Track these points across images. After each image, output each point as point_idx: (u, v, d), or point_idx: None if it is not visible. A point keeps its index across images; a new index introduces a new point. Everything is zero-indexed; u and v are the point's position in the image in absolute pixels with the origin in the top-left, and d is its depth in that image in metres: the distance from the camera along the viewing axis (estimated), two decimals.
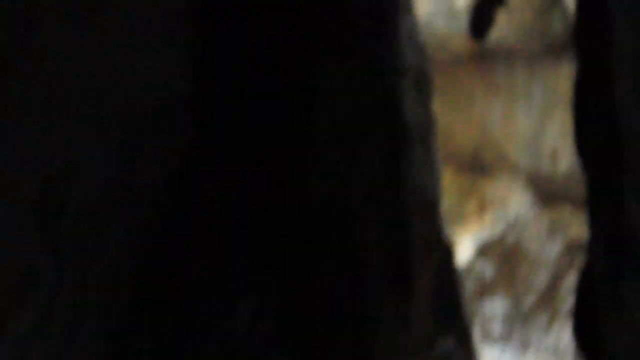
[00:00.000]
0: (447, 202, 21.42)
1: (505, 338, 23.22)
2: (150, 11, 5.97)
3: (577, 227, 23.47)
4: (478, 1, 11.42)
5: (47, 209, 5.55)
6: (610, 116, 6.60)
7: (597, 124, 7.74)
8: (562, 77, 22.93)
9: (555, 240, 23.79)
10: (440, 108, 21.91)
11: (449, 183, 23.01)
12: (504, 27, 21.57)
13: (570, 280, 23.48)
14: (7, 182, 5.29)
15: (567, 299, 23.32)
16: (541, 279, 23.78)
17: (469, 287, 21.30)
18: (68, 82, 5.59)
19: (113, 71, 5.81)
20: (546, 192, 24.28)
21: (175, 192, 6.82)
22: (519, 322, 23.70)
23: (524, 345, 23.29)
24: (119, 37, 5.80)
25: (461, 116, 23.74)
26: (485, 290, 23.09)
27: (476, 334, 20.64)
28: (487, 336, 23.01)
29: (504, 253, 23.66)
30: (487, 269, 23.38)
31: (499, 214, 23.80)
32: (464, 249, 21.34)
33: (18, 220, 5.40)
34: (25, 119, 5.37)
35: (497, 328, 23.11)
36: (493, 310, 23.29)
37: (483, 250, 23.17)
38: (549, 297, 22.97)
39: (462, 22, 21.11)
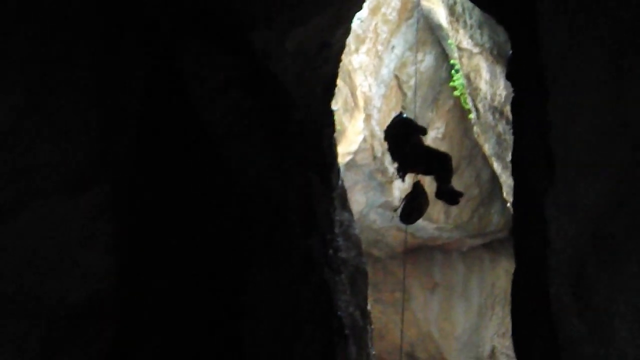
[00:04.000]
0: None
1: None
2: (71, 210, 6.08)
3: None
4: (411, 190, 11.75)
5: None
6: (548, 316, 6.77)
7: (535, 325, 7.90)
8: (501, 274, 23.26)
9: None
10: (376, 304, 21.88)
11: None
12: (440, 220, 22.02)
13: None
14: None
15: None
16: None
17: None
18: None
19: (36, 271, 5.85)
20: None
21: None
22: None
23: None
24: (42, 237, 5.87)
25: (397, 313, 23.74)
26: None
27: None
28: None
29: None
30: None
31: None
32: None
33: None
34: None
35: None
36: None
37: None
38: None
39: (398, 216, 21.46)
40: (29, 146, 5.57)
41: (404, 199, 11.89)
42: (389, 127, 11.48)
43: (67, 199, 5.91)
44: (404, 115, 11.94)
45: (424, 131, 11.33)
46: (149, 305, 7.26)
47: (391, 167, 19.58)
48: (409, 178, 11.95)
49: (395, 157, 11.44)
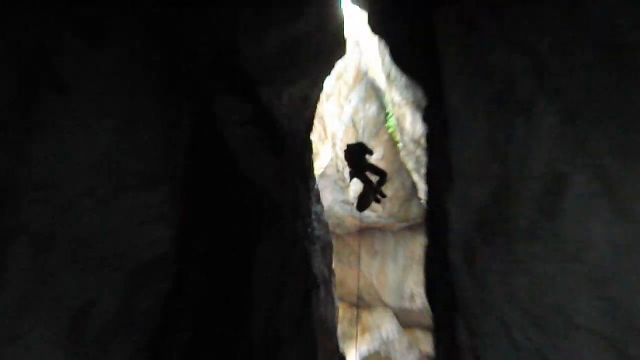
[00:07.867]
0: (341, 327, 20.97)
1: None
2: (148, 200, 6.04)
3: (427, 344, 23.28)
4: (362, 191, 11.70)
5: (76, 329, 5.40)
6: (447, 273, 6.76)
7: (439, 279, 7.90)
8: (418, 246, 23.27)
9: (413, 353, 23.49)
10: (338, 264, 21.66)
11: (342, 314, 22.69)
12: (380, 211, 21.99)
13: None
14: (48, 312, 5.13)
15: None
16: None
17: None
18: (90, 246, 5.57)
19: (125, 239, 5.80)
20: (406, 321, 24.15)
21: (165, 317, 6.69)
22: None
23: None
24: (128, 217, 5.83)
25: (351, 270, 23.69)
26: None
27: None
28: None
29: None
30: None
31: (375, 335, 23.47)
32: (352, 358, 20.85)
33: (54, 336, 5.22)
34: (63, 270, 5.28)
35: None
36: None
37: None
38: None
39: (352, 208, 21.47)
40: (123, 157, 5.53)
41: (358, 197, 11.86)
42: (348, 148, 11.37)
43: (145, 192, 5.86)
44: (359, 141, 11.87)
45: (371, 152, 11.29)
46: (195, 263, 7.21)
47: (348, 176, 19.55)
48: (359, 184, 11.89)
49: (350, 167, 11.39)
